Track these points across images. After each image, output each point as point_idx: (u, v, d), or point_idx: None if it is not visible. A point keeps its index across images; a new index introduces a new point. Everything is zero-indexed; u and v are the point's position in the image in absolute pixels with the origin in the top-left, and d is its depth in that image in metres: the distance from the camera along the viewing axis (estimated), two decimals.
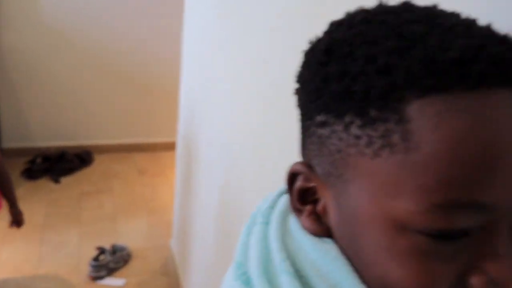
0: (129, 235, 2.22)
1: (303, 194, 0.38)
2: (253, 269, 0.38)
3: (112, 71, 2.87)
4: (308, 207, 0.38)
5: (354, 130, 0.32)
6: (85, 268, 1.96)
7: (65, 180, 2.67)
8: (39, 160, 2.73)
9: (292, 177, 0.38)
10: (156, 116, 3.05)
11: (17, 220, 1.65)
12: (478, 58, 0.29)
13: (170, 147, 3.13)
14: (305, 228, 0.38)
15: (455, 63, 0.29)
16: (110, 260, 1.96)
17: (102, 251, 1.99)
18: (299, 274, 0.37)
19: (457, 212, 0.30)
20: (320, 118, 0.34)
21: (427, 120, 0.29)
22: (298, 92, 0.38)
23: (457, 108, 0.29)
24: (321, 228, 0.37)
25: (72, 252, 2.07)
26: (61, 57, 2.75)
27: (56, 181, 2.64)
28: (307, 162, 0.38)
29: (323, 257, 0.37)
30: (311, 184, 0.38)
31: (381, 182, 0.31)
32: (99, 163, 2.91)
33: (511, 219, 0.31)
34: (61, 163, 2.77)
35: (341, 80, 0.32)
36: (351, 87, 0.31)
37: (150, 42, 2.87)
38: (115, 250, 2.02)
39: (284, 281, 0.35)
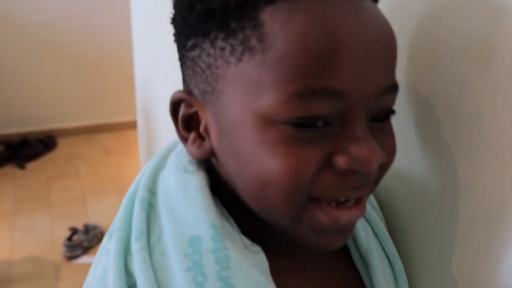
0: (100, 214, 2.27)
1: (188, 122, 0.41)
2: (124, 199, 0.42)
3: (66, 53, 2.84)
4: (193, 134, 0.40)
5: (219, 43, 0.35)
6: (60, 249, 2.00)
7: (30, 166, 2.68)
8: (1, 147, 2.72)
9: (175, 106, 0.41)
10: (117, 95, 3.05)
11: None
12: None
13: (133, 125, 3.16)
14: (191, 154, 0.41)
15: None
16: (83, 239, 2.00)
17: (74, 231, 2.03)
18: (150, 203, 0.40)
19: (312, 100, 0.33)
20: (190, 42, 0.38)
21: (276, 22, 0.33)
22: (173, 29, 0.41)
23: (299, 8, 0.33)
24: (205, 151, 0.40)
25: (45, 235, 2.11)
26: (12, 41, 2.71)
27: (21, 167, 2.63)
28: (186, 89, 0.40)
29: (180, 189, 0.40)
30: (193, 110, 0.40)
31: (246, 84, 0.35)
32: (63, 146, 2.91)
33: (366, 106, 0.35)
34: (24, 149, 2.76)
35: (202, 2, 0.36)
36: (212, 5, 0.35)
37: (100, 20, 2.84)
38: (87, 229, 2.06)
39: (136, 207, 0.40)
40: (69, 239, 2.00)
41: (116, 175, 2.62)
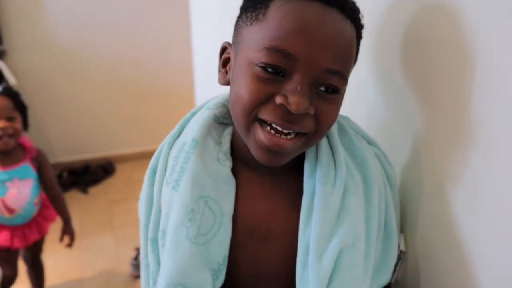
0: None
1: (224, 62, 0.67)
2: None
3: (125, 82, 2.99)
4: (224, 69, 0.67)
5: (248, 14, 0.60)
6: (127, 268, 2.08)
7: (92, 190, 2.80)
8: (65, 174, 2.86)
9: (222, 50, 0.68)
10: (169, 123, 3.17)
11: (67, 240, 1.77)
12: None
13: None
14: (219, 80, 0.67)
15: None
16: None
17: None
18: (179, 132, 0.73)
19: (276, 55, 0.55)
20: (239, 15, 0.63)
21: (275, 7, 0.57)
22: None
23: (288, 3, 0.56)
24: (225, 80, 0.66)
25: (111, 255, 2.20)
26: (73, 74, 2.88)
27: (84, 191, 2.77)
28: (230, 43, 0.66)
29: (196, 116, 0.71)
30: (228, 55, 0.66)
31: (249, 39, 0.59)
32: (121, 172, 3.04)
33: (311, 75, 0.56)
34: (86, 175, 2.90)
35: None
36: None
37: (160, 50, 2.99)
38: None
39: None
40: (136, 258, 2.08)
41: None
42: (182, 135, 0.70)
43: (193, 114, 0.73)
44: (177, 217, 0.62)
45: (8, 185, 1.56)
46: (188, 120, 0.72)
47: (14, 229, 1.61)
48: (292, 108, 0.54)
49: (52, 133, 2.90)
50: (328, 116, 0.59)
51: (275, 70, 0.56)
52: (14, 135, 1.54)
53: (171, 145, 0.70)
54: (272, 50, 0.55)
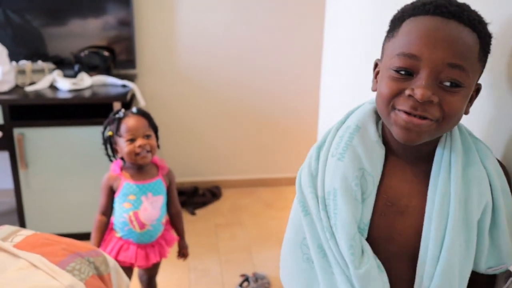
0: (265, 264, 2.34)
1: (376, 74, 0.85)
2: None
3: (246, 110, 3.10)
4: (375, 80, 0.86)
5: (389, 33, 0.81)
6: None
7: (200, 212, 2.89)
8: None
9: (375, 66, 0.87)
10: (279, 153, 3.21)
11: (183, 253, 1.84)
12: (431, 4, 0.74)
13: (291, 182, 3.26)
14: (372, 88, 0.86)
15: (421, 5, 0.76)
16: (253, 287, 2.08)
17: (246, 278, 2.12)
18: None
19: (403, 58, 0.74)
20: (386, 34, 0.82)
21: (405, 24, 0.76)
22: None
23: (412, 21, 0.76)
24: (375, 88, 0.84)
25: (216, 279, 2.23)
26: (194, 101, 3.04)
27: (192, 213, 2.86)
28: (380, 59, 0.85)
29: (361, 107, 0.90)
30: (378, 68, 0.85)
31: (387, 52, 0.79)
32: (228, 197, 3.10)
33: (433, 70, 0.71)
34: (195, 197, 3.00)
35: (394, 15, 0.81)
36: (394, 17, 0.81)
37: (288, 82, 3.07)
38: (257, 278, 2.14)
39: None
40: (241, 285, 2.09)
41: (277, 228, 2.70)
42: (346, 122, 0.89)
43: (358, 107, 0.92)
44: (345, 182, 0.82)
45: (143, 199, 1.65)
46: (352, 112, 0.91)
47: (140, 248, 1.68)
48: (417, 96, 0.71)
49: (168, 153, 3.05)
50: (451, 105, 0.73)
51: (405, 71, 0.74)
52: (151, 151, 1.64)
53: (338, 129, 0.89)
54: (401, 55, 0.74)
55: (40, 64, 2.60)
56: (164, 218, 1.74)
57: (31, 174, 2.40)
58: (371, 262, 0.80)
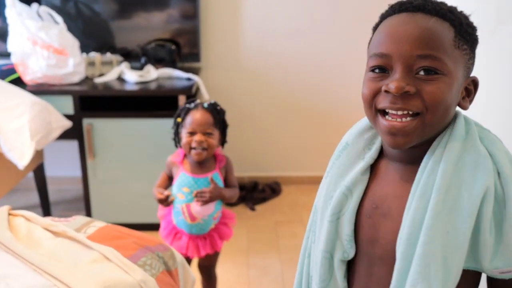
0: None
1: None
2: None
3: (308, 107, 3.04)
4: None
5: (369, 41, 0.82)
6: None
7: (259, 208, 2.86)
8: None
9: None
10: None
11: (202, 192, 1.63)
12: (397, 3, 0.77)
13: None
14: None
15: (389, 7, 0.78)
16: None
17: None
18: None
19: (376, 58, 0.75)
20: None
21: (381, 25, 0.78)
22: None
23: (385, 21, 0.78)
24: None
25: (276, 277, 2.20)
26: (256, 95, 3.01)
27: (252, 209, 2.83)
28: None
29: (354, 126, 0.93)
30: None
31: (367, 57, 0.79)
32: (287, 193, 3.06)
33: (404, 64, 0.72)
34: (254, 192, 2.97)
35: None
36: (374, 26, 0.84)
37: (351, 80, 2.98)
38: None
39: None
40: None
41: None
42: (342, 140, 0.92)
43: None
44: (324, 201, 0.86)
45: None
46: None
47: (191, 238, 1.69)
48: (393, 90, 0.71)
49: (228, 147, 3.03)
50: (431, 94, 0.71)
51: (379, 69, 0.75)
52: (208, 149, 1.61)
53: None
54: (374, 56, 0.75)
55: (108, 56, 2.65)
56: (218, 213, 1.71)
57: (98, 164, 2.45)
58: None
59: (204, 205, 1.64)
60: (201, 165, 1.67)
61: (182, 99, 2.35)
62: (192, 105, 1.65)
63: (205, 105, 1.64)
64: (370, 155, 0.84)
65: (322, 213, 0.86)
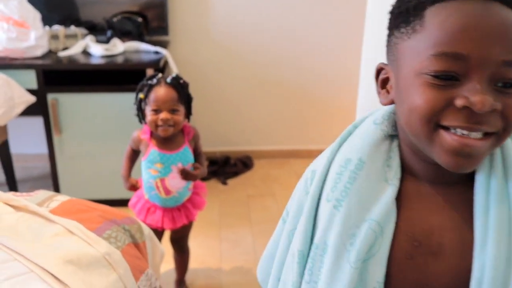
0: None
1: (383, 82, 0.67)
2: None
3: (279, 81, 3.02)
4: (383, 90, 0.67)
5: (402, 30, 0.61)
6: None
7: (231, 183, 2.86)
8: (207, 163, 2.96)
9: (377, 72, 0.68)
10: (312, 124, 3.13)
11: (186, 171, 1.62)
12: None
13: None
14: (381, 101, 0.67)
15: None
16: None
17: None
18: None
19: (444, 59, 0.55)
20: (389, 34, 0.65)
21: (431, 15, 0.57)
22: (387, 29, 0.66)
23: (444, 8, 0.56)
24: (388, 100, 0.66)
25: (248, 250, 2.21)
26: (227, 69, 2.97)
27: (224, 183, 2.83)
28: (385, 63, 0.67)
29: (363, 131, 0.69)
30: (386, 75, 0.66)
31: (410, 52, 0.59)
32: (259, 167, 3.06)
33: (487, 70, 0.54)
34: (226, 167, 2.97)
35: (398, 7, 0.62)
36: (401, 9, 0.61)
37: (324, 52, 2.98)
38: None
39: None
40: None
41: None
42: (343, 148, 0.70)
43: (355, 127, 0.72)
44: (339, 239, 0.65)
45: (172, 168, 1.62)
46: (350, 133, 0.71)
47: (165, 211, 1.68)
48: (477, 107, 0.53)
49: (199, 121, 3.00)
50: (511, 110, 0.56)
51: (447, 76, 0.55)
52: (174, 125, 1.59)
53: (331, 160, 0.70)
54: (440, 55, 0.55)
55: (73, 29, 2.57)
56: (192, 183, 1.71)
57: (64, 140, 2.40)
58: None
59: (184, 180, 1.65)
60: (170, 140, 1.64)
61: (149, 73, 2.30)
62: (155, 80, 1.59)
63: (168, 80, 1.58)
64: (395, 176, 0.66)
65: (336, 255, 0.65)
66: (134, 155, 1.75)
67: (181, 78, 1.64)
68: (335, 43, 2.95)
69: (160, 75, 1.62)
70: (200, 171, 1.69)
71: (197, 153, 1.76)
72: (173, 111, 1.57)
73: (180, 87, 1.60)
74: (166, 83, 1.58)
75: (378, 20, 1.69)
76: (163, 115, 1.56)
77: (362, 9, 2.48)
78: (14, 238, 0.94)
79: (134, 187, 1.75)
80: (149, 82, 1.60)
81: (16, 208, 1.06)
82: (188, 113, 1.67)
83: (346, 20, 2.88)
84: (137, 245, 1.17)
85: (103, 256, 0.95)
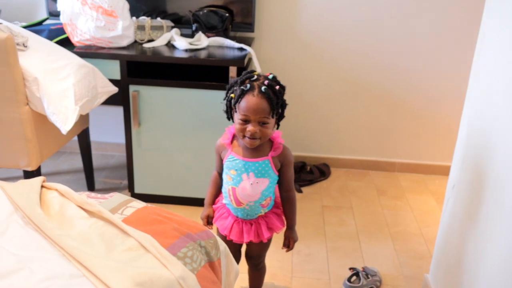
0: (375, 258, 2.12)
1: None
2: None
3: (360, 88, 2.83)
4: None
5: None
6: (337, 285, 1.91)
7: (306, 190, 2.71)
8: None
9: None
10: (397, 137, 2.91)
11: (287, 244, 1.67)
12: None
13: (406, 168, 2.96)
14: None
15: None
16: (363, 285, 1.87)
17: (355, 272, 1.93)
18: None
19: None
20: None
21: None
22: None
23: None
24: None
25: (321, 267, 2.06)
26: (311, 71, 2.82)
27: (299, 191, 2.69)
28: None
29: None
30: None
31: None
32: (336, 177, 2.89)
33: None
34: (302, 173, 2.82)
35: None
36: None
37: (407, 64, 2.74)
38: (367, 273, 1.93)
39: None
40: (349, 279, 1.90)
41: (389, 219, 2.45)
42: None
43: None
44: None
45: (243, 177, 1.50)
46: None
47: (236, 221, 1.59)
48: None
49: None
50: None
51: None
52: (262, 138, 1.46)
53: None
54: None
55: (159, 21, 2.53)
56: (266, 200, 1.57)
57: (143, 132, 2.36)
58: None
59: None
60: (253, 149, 1.52)
61: (233, 70, 2.21)
62: (248, 86, 1.44)
63: (263, 88, 1.42)
64: None
65: None
66: (220, 181, 1.64)
67: (277, 83, 1.47)
68: (441, 54, 2.70)
69: (255, 77, 1.47)
70: (292, 241, 1.69)
71: (285, 184, 1.60)
72: (262, 123, 1.44)
73: (275, 96, 1.45)
74: (260, 91, 1.43)
75: (491, 38, 1.47)
76: (251, 127, 1.43)
77: (475, 18, 2.24)
78: (85, 249, 0.86)
79: (207, 218, 1.63)
80: (242, 86, 1.47)
81: (89, 213, 0.98)
82: (279, 119, 1.53)
83: (457, 30, 2.63)
84: (212, 264, 1.06)
85: (177, 280, 0.85)
